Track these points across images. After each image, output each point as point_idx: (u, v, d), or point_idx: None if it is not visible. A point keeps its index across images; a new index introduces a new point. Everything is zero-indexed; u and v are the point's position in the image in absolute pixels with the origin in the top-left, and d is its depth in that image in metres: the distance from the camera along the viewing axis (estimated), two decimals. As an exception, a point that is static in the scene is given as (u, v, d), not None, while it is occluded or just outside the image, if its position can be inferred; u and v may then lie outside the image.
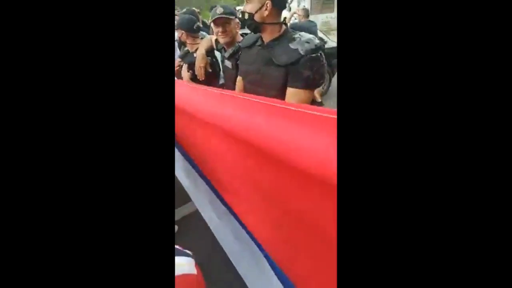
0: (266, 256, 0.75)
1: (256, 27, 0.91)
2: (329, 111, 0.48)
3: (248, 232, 0.82)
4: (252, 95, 0.66)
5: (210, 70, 1.37)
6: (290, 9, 4.23)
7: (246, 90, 1.04)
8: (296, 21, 3.31)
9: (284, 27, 0.92)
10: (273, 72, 0.90)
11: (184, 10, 2.11)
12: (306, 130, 0.49)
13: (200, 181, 1.14)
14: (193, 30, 1.48)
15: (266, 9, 0.86)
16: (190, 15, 1.58)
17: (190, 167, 1.21)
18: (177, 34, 1.45)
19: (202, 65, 1.33)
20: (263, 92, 0.94)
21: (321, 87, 3.46)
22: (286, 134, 0.51)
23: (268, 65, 0.91)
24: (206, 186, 1.09)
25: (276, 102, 0.58)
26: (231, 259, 0.92)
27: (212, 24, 1.21)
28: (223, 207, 0.96)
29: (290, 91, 0.88)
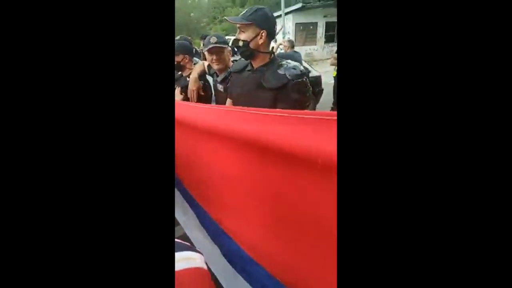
0: (257, 271, 0.76)
1: (250, 54, 1.00)
2: (328, 113, 0.50)
3: (240, 249, 0.83)
4: (242, 107, 0.72)
5: (203, 93, 1.44)
6: (275, 40, 4.55)
7: None
8: (282, 51, 3.55)
9: (272, 55, 1.03)
10: (263, 95, 0.98)
11: (178, 37, 2.22)
12: (304, 130, 0.51)
13: (186, 205, 1.15)
14: (193, 54, 1.59)
15: (261, 38, 0.97)
16: (188, 42, 1.68)
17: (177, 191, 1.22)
18: (176, 59, 1.52)
19: (195, 88, 1.41)
20: None
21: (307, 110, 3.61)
22: (283, 135, 0.54)
23: (258, 88, 1.00)
24: (193, 211, 1.11)
25: (268, 111, 0.63)
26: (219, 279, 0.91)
27: (206, 52, 1.30)
28: (212, 225, 0.97)
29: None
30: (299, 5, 10.14)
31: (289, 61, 1.00)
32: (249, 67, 1.07)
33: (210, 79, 1.50)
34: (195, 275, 0.36)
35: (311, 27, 10.92)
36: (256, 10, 0.97)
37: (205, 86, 1.46)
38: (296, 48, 3.79)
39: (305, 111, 0.60)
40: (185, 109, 0.97)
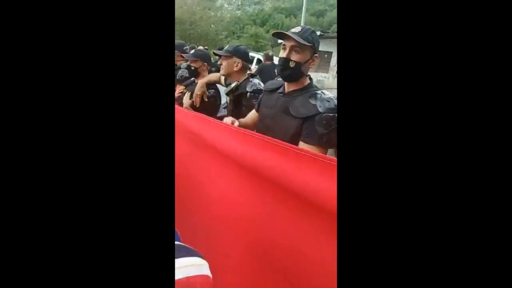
0: None
1: (298, 77, 0.91)
2: (325, 157, 0.49)
3: None
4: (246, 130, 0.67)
5: (206, 100, 1.41)
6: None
7: (258, 130, 1.03)
8: None
9: (308, 81, 0.95)
10: (288, 122, 0.90)
11: (199, 47, 2.26)
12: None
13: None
14: (211, 63, 1.61)
15: (313, 62, 0.90)
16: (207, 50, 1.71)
17: None
18: (194, 64, 1.52)
19: (199, 93, 1.39)
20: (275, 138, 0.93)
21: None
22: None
23: (284, 114, 0.91)
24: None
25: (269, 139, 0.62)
26: None
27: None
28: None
29: (301, 145, 0.87)
30: (317, 33, 10.41)
31: (325, 91, 0.91)
32: (281, 89, 0.99)
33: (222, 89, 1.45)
34: (203, 283, 0.36)
35: (326, 56, 11.18)
36: (312, 32, 0.89)
37: (212, 95, 1.42)
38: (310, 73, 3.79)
39: (305, 149, 0.54)
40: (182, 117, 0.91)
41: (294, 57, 0.89)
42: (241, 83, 1.24)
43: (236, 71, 1.28)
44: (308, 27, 0.93)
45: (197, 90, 1.40)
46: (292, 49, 0.89)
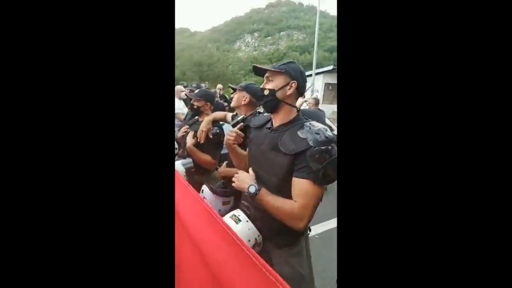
0: None
1: (275, 104, 0.87)
2: None
3: None
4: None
5: (211, 137, 1.39)
6: (304, 97, 4.63)
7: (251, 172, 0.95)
8: (307, 107, 3.51)
9: (296, 113, 0.89)
10: (278, 159, 0.82)
11: (195, 85, 2.33)
12: None
13: None
14: (213, 103, 1.61)
15: (290, 88, 0.85)
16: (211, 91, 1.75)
17: None
18: (197, 103, 1.54)
19: (205, 129, 1.36)
20: (266, 177, 0.85)
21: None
22: None
23: (274, 151, 0.84)
24: None
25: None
26: None
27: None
28: None
29: (295, 180, 0.79)
30: (330, 67, 10.72)
31: (314, 123, 0.84)
32: (268, 124, 0.93)
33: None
34: None
35: (330, 88, 11.29)
36: (288, 62, 0.89)
37: (216, 133, 1.40)
38: (323, 107, 3.77)
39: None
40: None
41: (268, 85, 0.88)
42: (247, 116, 1.21)
43: (244, 105, 1.29)
44: (288, 60, 0.94)
45: (203, 126, 1.39)
46: (267, 79, 0.89)
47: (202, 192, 1.15)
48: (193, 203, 0.78)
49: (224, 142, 1.13)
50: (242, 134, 1.03)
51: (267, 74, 0.88)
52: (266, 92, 0.87)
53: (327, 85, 11.02)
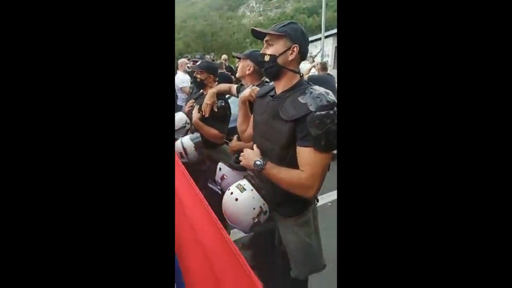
0: None
1: (276, 71, 0.83)
2: None
3: None
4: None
5: (216, 110, 1.38)
6: (313, 61, 4.38)
7: (254, 141, 0.96)
8: (316, 73, 3.37)
9: (298, 78, 0.86)
10: (280, 127, 0.81)
11: (199, 56, 2.24)
12: None
13: None
14: (217, 74, 1.56)
15: (292, 53, 0.81)
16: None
17: None
18: (200, 76, 1.50)
19: (209, 102, 1.35)
20: (270, 147, 0.86)
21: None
22: None
23: (275, 119, 0.83)
24: None
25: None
26: None
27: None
28: None
29: (299, 149, 0.79)
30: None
31: (316, 87, 0.81)
32: (272, 92, 0.91)
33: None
34: None
35: None
36: (289, 23, 0.83)
37: (221, 106, 1.38)
38: (334, 72, 3.61)
39: None
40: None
41: (268, 50, 0.83)
42: (254, 87, 1.18)
43: (249, 74, 1.24)
44: (289, 20, 0.86)
45: (207, 99, 1.35)
46: (267, 43, 0.84)
47: (220, 170, 1.15)
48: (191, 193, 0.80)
49: (239, 100, 1.10)
50: (258, 89, 1.03)
51: (266, 38, 0.84)
52: (266, 58, 0.83)
53: (337, 47, 10.44)
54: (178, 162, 0.95)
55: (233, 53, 1.50)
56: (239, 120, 1.12)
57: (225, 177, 1.11)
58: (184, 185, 0.82)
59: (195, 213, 0.70)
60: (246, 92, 1.06)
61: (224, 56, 4.56)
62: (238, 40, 15.30)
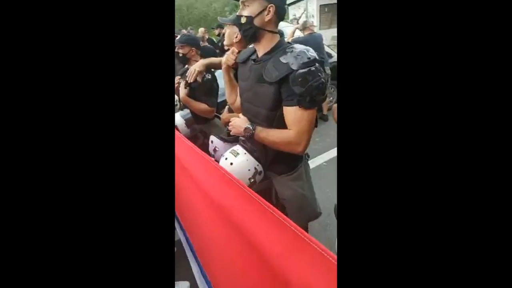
0: None
1: (254, 33, 0.84)
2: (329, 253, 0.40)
3: None
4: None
5: (200, 81, 1.33)
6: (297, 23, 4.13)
7: (242, 108, 0.99)
8: (301, 35, 3.26)
9: (278, 38, 0.86)
10: (264, 90, 0.84)
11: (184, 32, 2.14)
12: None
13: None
14: (199, 47, 1.51)
15: (268, 14, 0.81)
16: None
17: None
18: (182, 50, 1.45)
19: (198, 69, 1.25)
20: (257, 110, 0.89)
21: (328, 100, 3.34)
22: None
23: (259, 82, 0.85)
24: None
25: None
26: None
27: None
28: None
29: (285, 109, 0.82)
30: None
31: (297, 45, 0.82)
32: (253, 56, 0.92)
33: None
34: None
35: (326, 10, 10.17)
36: None
37: (208, 79, 1.36)
38: (322, 31, 3.49)
39: (308, 235, 0.44)
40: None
41: (245, 11, 0.83)
42: (231, 49, 1.16)
43: (237, 42, 1.18)
44: None
45: (196, 65, 1.26)
46: (243, 4, 0.84)
47: (212, 143, 1.19)
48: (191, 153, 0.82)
49: (222, 67, 1.09)
50: (236, 52, 1.02)
51: (241, 0, 0.83)
52: (243, 20, 0.83)
53: (322, 7, 9.92)
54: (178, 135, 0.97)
55: (218, 18, 1.41)
56: (226, 91, 1.14)
57: (217, 149, 1.16)
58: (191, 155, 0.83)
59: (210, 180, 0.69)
60: (224, 58, 1.05)
61: (201, 29, 4.24)
62: (216, 10, 14.43)
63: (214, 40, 4.06)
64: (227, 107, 1.37)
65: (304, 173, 0.98)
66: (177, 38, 1.54)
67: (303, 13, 7.40)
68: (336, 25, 10.03)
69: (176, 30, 3.36)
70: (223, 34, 1.22)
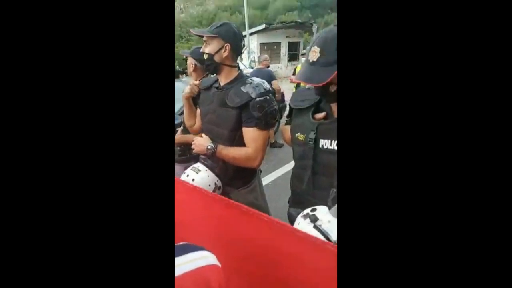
0: None
1: (215, 67, 1.00)
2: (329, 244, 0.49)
3: None
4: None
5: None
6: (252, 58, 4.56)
7: (204, 129, 1.10)
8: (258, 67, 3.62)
9: (238, 71, 1.03)
10: (227, 113, 0.98)
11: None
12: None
13: None
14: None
15: (225, 51, 0.97)
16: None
17: None
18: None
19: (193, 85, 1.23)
20: (219, 131, 1.01)
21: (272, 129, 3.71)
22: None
23: (223, 106, 0.99)
24: None
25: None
26: None
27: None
28: None
29: (244, 130, 0.97)
30: (262, 26, 10.66)
31: (254, 78, 1.00)
32: (216, 84, 1.06)
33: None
34: (212, 272, 0.38)
35: (275, 47, 11.48)
36: (221, 25, 0.99)
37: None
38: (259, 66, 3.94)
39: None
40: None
41: (206, 49, 0.99)
42: (201, 79, 1.26)
43: (193, 71, 1.33)
44: (222, 22, 1.00)
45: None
46: (205, 43, 1.00)
47: None
48: None
49: (182, 97, 1.19)
50: (198, 83, 1.15)
51: (204, 38, 0.98)
52: (205, 56, 0.99)
53: (262, 45, 11.07)
54: None
55: (180, 51, 1.51)
56: (185, 116, 1.24)
57: None
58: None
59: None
60: (187, 89, 1.18)
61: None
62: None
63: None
64: (180, 128, 1.45)
65: (258, 186, 1.12)
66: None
67: (245, 48, 8.08)
68: (273, 62, 11.21)
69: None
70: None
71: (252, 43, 10.82)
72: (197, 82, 1.18)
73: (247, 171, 1.04)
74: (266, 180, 2.69)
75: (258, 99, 0.93)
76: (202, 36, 0.99)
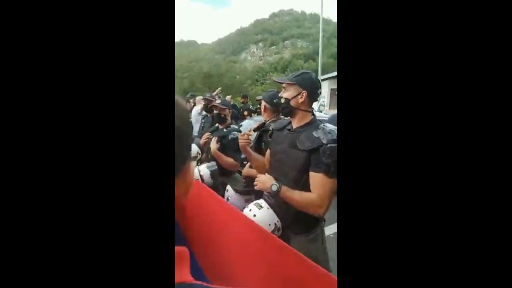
0: None
1: (289, 111, 1.07)
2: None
3: None
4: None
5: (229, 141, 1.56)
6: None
7: (271, 166, 1.14)
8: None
9: (312, 116, 1.07)
10: (296, 155, 0.99)
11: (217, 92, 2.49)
12: None
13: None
14: (234, 110, 1.81)
15: (301, 97, 1.03)
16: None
17: None
18: (223, 112, 1.72)
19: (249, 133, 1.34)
20: (287, 171, 1.03)
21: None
22: None
23: (293, 148, 1.02)
24: None
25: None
26: None
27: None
28: None
29: (311, 174, 0.96)
30: (334, 73, 10.89)
31: (327, 124, 1.02)
32: (289, 126, 1.12)
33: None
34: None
35: (336, 93, 11.39)
36: (301, 73, 1.08)
37: (234, 138, 1.57)
38: (330, 111, 3.94)
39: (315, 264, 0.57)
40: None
41: (284, 94, 1.07)
42: (267, 122, 1.38)
43: (264, 111, 1.47)
44: (302, 70, 1.13)
45: (249, 131, 1.36)
46: (284, 88, 1.08)
47: (227, 191, 1.29)
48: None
49: (241, 148, 1.28)
50: (250, 134, 1.24)
51: (283, 85, 1.08)
52: (282, 101, 1.07)
53: (333, 90, 11.19)
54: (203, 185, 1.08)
55: (256, 97, 1.75)
56: (252, 164, 1.33)
57: (229, 198, 1.25)
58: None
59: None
60: (241, 141, 1.25)
61: (229, 96, 4.94)
62: (240, 81, 16.43)
63: (237, 105, 4.58)
64: (248, 163, 1.53)
65: (320, 236, 1.04)
66: (220, 101, 1.82)
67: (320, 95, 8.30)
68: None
69: (208, 94, 3.94)
70: (246, 102, 1.51)
71: (324, 88, 11.06)
72: (249, 132, 1.27)
73: (309, 217, 0.99)
74: (328, 230, 2.46)
75: (329, 145, 0.92)
76: (282, 83, 1.08)
